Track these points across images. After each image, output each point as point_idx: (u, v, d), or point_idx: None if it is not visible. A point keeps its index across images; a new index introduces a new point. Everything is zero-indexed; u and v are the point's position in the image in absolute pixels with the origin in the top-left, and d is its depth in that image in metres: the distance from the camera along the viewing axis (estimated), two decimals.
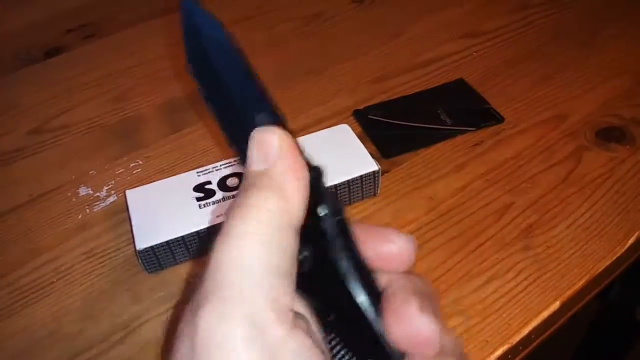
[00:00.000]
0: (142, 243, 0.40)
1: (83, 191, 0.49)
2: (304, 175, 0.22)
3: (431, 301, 0.22)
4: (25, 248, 0.45)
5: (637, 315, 0.79)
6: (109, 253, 0.44)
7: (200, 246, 0.42)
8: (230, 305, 0.19)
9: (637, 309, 0.79)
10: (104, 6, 0.74)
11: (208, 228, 0.41)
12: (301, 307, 0.23)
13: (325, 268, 0.22)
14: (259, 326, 0.19)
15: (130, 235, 0.41)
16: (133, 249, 0.41)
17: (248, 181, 0.22)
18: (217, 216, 0.41)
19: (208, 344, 0.19)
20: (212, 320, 0.19)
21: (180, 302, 0.40)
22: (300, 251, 0.22)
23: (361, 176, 0.44)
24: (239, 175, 0.44)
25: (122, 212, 0.46)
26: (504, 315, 0.38)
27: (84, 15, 0.71)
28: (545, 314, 0.38)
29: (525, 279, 0.40)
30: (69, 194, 0.49)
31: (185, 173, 0.45)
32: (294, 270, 0.21)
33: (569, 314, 0.41)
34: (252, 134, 0.22)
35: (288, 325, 0.19)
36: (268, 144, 0.22)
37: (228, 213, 0.21)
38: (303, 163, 0.22)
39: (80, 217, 0.47)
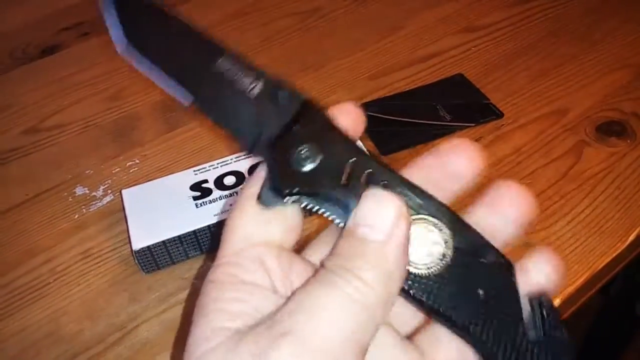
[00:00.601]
0: (138, 243, 0.39)
1: (79, 191, 0.49)
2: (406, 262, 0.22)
3: None
4: (21, 249, 0.45)
5: (637, 310, 0.79)
6: (105, 253, 0.44)
7: (197, 244, 0.41)
8: (311, 350, 0.19)
9: (637, 303, 0.79)
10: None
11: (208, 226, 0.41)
12: None
13: None
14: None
15: (127, 235, 0.41)
16: (130, 249, 0.40)
17: (356, 246, 0.21)
18: (214, 215, 0.41)
19: None
20: (287, 352, 0.19)
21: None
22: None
23: None
24: (235, 173, 0.44)
25: (118, 211, 0.45)
26: None
27: (80, 14, 0.71)
28: None
29: None
30: (65, 193, 0.49)
31: (182, 172, 0.45)
32: (367, 347, 0.21)
33: (570, 310, 0.41)
34: (367, 193, 0.22)
35: None
36: (383, 214, 0.21)
37: (331, 264, 0.21)
38: (407, 249, 0.22)
39: (76, 217, 0.47)
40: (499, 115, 0.52)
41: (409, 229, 0.22)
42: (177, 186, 0.43)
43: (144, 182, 0.44)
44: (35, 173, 0.51)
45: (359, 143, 0.24)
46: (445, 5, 0.67)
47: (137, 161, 0.51)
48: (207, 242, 0.41)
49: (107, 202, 0.47)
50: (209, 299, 0.22)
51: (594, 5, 0.65)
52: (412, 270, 0.22)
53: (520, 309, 0.22)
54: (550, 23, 0.63)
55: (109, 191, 0.48)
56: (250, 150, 0.24)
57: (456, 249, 0.22)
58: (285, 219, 0.24)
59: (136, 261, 0.40)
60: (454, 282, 0.22)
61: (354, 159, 0.23)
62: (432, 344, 0.24)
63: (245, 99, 0.24)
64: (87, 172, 0.50)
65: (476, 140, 0.50)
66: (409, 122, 0.52)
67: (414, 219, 0.22)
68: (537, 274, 0.23)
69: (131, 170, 0.50)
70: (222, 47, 0.25)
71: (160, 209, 0.42)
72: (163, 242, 0.40)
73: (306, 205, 0.23)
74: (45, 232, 0.46)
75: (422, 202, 0.23)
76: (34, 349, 0.38)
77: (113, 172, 0.50)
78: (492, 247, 0.23)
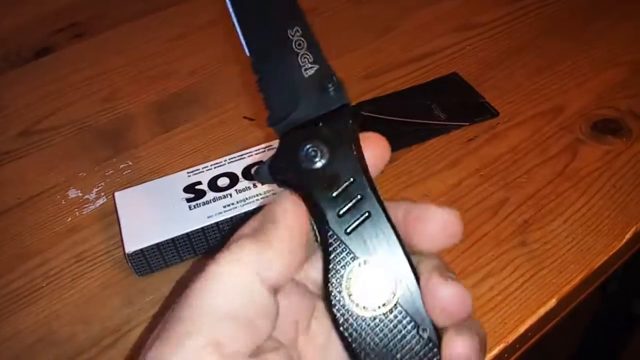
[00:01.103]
0: (131, 246, 0.39)
1: (72, 193, 0.48)
2: (300, 249, 0.22)
3: (449, 272, 0.23)
4: (14, 252, 0.44)
5: (636, 308, 0.79)
6: (99, 256, 0.43)
7: (192, 247, 0.41)
8: (178, 342, 0.20)
9: (634, 302, 0.79)
10: (93, 5, 0.73)
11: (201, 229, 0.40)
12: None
13: None
14: None
15: (120, 238, 0.41)
16: (123, 252, 0.40)
17: (248, 225, 0.23)
18: (208, 217, 0.41)
19: None
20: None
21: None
22: None
23: None
24: (229, 175, 0.43)
25: (112, 214, 0.45)
26: (500, 313, 0.37)
27: (73, 15, 0.71)
28: (542, 311, 0.38)
29: (522, 275, 0.40)
30: (58, 196, 0.48)
31: (176, 174, 0.44)
32: (261, 319, 0.21)
33: (567, 310, 0.40)
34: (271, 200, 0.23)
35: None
36: (280, 205, 0.23)
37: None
38: (306, 238, 0.22)
39: (69, 220, 0.46)
40: (494, 114, 0.52)
41: (298, 210, 0.23)
42: (171, 188, 0.43)
43: (137, 185, 0.44)
44: (28, 176, 0.51)
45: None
46: (439, 4, 0.67)
47: (130, 163, 0.51)
48: (201, 244, 0.41)
49: (100, 205, 0.47)
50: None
51: (589, 3, 0.65)
52: (354, 307, 0.22)
53: None
54: (545, 21, 0.63)
55: (102, 194, 0.48)
56: (273, 124, 0.25)
57: (400, 307, 0.23)
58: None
59: (129, 264, 0.40)
60: (379, 336, 0.22)
61: (352, 179, 0.23)
62: None
63: (299, 74, 0.25)
64: (80, 174, 0.50)
65: (471, 140, 0.50)
66: (404, 121, 0.52)
67: (369, 261, 0.23)
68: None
69: (124, 173, 0.50)
70: (301, 15, 0.26)
71: (153, 212, 0.41)
72: (156, 244, 0.39)
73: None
74: (38, 235, 0.46)
75: (391, 249, 0.23)
76: (28, 353, 0.38)
77: (106, 174, 0.50)
78: (433, 325, 0.23)
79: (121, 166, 0.50)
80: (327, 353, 0.24)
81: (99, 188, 0.49)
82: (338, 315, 0.22)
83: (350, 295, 0.23)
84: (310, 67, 0.25)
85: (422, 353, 0.22)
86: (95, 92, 0.59)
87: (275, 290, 0.22)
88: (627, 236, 0.42)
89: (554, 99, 0.54)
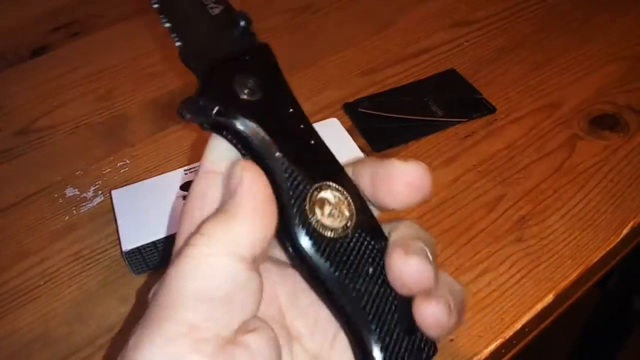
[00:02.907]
0: (128, 244, 0.39)
1: (70, 192, 0.48)
2: (265, 210, 0.22)
3: (420, 242, 0.23)
4: (12, 251, 0.44)
5: (634, 304, 0.79)
6: (96, 255, 0.43)
7: None
8: (155, 331, 0.20)
9: (634, 298, 0.79)
10: (90, 4, 0.72)
11: None
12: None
13: None
14: (175, 353, 0.19)
15: (117, 236, 0.41)
16: (120, 250, 0.40)
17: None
18: None
19: None
20: (138, 344, 0.19)
21: None
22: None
23: None
24: None
25: (109, 212, 0.45)
26: (497, 309, 0.37)
27: (70, 14, 0.70)
28: (539, 306, 0.38)
29: (519, 271, 0.40)
30: (56, 195, 0.48)
31: (172, 171, 0.44)
32: (241, 297, 0.21)
33: (564, 306, 0.40)
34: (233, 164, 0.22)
35: (206, 354, 0.19)
36: (233, 176, 0.22)
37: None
38: (267, 197, 0.22)
39: (67, 218, 0.46)
40: (491, 110, 0.52)
41: (257, 177, 0.22)
42: (168, 186, 0.43)
43: (134, 183, 0.44)
44: (25, 175, 0.51)
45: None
46: (436, 0, 0.66)
47: (128, 161, 0.51)
48: None
49: (98, 203, 0.47)
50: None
51: None
52: (317, 229, 0.22)
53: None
54: (542, 16, 0.63)
55: (100, 192, 0.48)
56: (186, 60, 0.24)
57: (357, 224, 0.23)
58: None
59: (126, 262, 0.40)
60: (348, 253, 0.23)
61: (292, 110, 0.24)
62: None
63: (205, 12, 0.25)
64: (77, 173, 0.50)
65: (468, 136, 0.50)
66: (401, 118, 0.52)
67: (328, 184, 0.23)
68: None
69: (122, 171, 0.50)
70: None
71: (150, 210, 0.41)
72: (153, 242, 0.39)
73: (226, 135, 0.23)
74: (36, 234, 0.45)
75: (338, 171, 0.24)
76: (25, 351, 0.38)
77: (103, 172, 0.50)
78: (384, 236, 0.24)
79: (118, 164, 0.50)
80: (319, 323, 0.24)
81: (96, 186, 0.49)
82: (300, 241, 0.22)
83: (311, 219, 0.22)
84: (215, 7, 0.25)
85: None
86: (92, 91, 0.59)
87: (253, 262, 0.21)
88: (625, 231, 0.42)
89: (551, 95, 0.53)
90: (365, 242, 0.23)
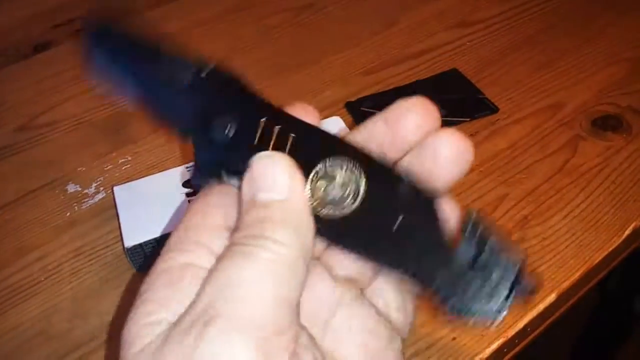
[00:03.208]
0: (130, 240, 0.39)
1: (71, 188, 0.48)
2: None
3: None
4: (13, 246, 0.44)
5: (635, 305, 0.79)
6: (97, 251, 0.43)
7: None
8: (240, 327, 0.19)
9: (635, 299, 0.79)
10: (91, 0, 0.72)
11: None
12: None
13: None
14: (265, 354, 0.19)
15: (119, 233, 0.41)
16: (122, 247, 0.40)
17: (260, 213, 0.21)
18: None
19: None
20: (218, 338, 0.18)
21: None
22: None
23: None
24: None
25: (111, 208, 0.45)
26: None
27: (72, 10, 0.70)
28: (541, 306, 0.38)
29: None
30: (57, 191, 0.48)
31: (174, 168, 0.44)
32: (299, 301, 0.21)
33: (566, 306, 0.40)
34: (252, 159, 0.22)
35: (289, 356, 0.19)
36: (277, 174, 0.21)
37: (239, 236, 0.21)
38: (308, 198, 0.22)
39: (68, 214, 0.46)
40: (494, 110, 0.52)
41: (303, 178, 0.22)
42: (169, 183, 0.43)
43: (136, 179, 0.44)
44: (27, 171, 0.51)
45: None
46: (439, 0, 0.66)
47: (130, 158, 0.51)
48: None
49: (99, 200, 0.47)
50: (141, 290, 0.21)
51: None
52: (326, 213, 0.22)
53: (442, 232, 0.22)
54: (545, 17, 0.63)
55: (101, 188, 0.48)
56: (183, 137, 0.24)
57: (369, 186, 0.22)
58: (223, 198, 0.23)
59: (128, 259, 0.40)
60: (369, 219, 0.22)
61: (265, 117, 0.23)
62: (376, 293, 0.24)
63: (171, 89, 0.24)
64: (79, 169, 0.50)
65: (471, 135, 0.50)
66: None
67: (326, 162, 0.23)
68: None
69: (123, 167, 0.50)
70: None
71: (152, 206, 0.41)
72: (155, 239, 0.39)
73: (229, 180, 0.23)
74: (37, 229, 0.45)
75: (332, 146, 0.23)
76: (26, 347, 0.38)
77: (105, 169, 0.50)
78: (406, 177, 0.23)
79: (120, 161, 0.50)
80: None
81: (98, 182, 0.49)
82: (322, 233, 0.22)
83: (319, 210, 0.22)
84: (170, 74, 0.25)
85: (414, 205, 0.22)
86: (93, 87, 0.59)
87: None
88: (627, 232, 0.42)
89: (554, 95, 0.54)
90: (386, 198, 0.23)
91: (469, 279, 0.21)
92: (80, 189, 0.48)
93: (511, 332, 0.36)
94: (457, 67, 0.57)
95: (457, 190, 0.45)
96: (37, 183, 0.49)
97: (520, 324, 0.37)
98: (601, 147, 0.48)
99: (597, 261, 0.40)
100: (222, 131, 0.23)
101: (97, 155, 0.51)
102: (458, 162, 0.24)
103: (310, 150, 0.23)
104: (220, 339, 0.18)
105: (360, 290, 0.25)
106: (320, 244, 0.24)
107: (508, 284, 0.22)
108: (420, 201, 0.22)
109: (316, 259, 0.25)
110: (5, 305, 0.40)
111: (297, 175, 0.22)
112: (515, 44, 0.60)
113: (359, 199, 0.22)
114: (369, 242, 0.22)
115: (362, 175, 0.23)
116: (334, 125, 0.47)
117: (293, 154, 0.22)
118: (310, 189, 0.22)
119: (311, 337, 0.22)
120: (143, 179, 0.44)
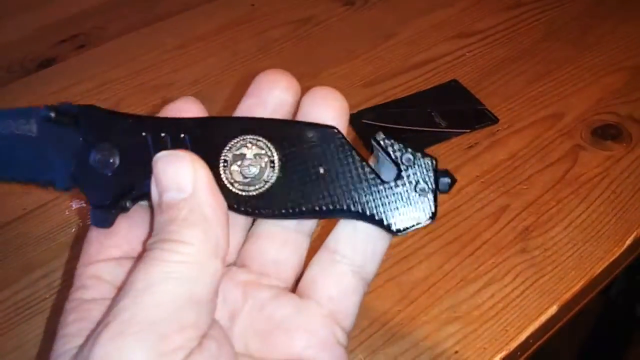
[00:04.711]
0: None
1: (77, 204, 0.49)
2: (223, 203, 0.22)
3: None
4: (18, 263, 0.45)
5: (638, 312, 0.79)
6: None
7: None
8: (135, 329, 0.19)
9: (637, 305, 0.79)
10: (95, 16, 0.73)
11: None
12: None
13: None
14: (160, 353, 0.19)
15: None
16: None
17: (166, 214, 0.21)
18: None
19: None
20: (109, 342, 0.19)
21: None
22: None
23: None
24: None
25: None
26: (501, 320, 0.38)
27: (76, 26, 0.71)
28: (543, 318, 0.38)
29: (522, 282, 0.40)
30: (63, 207, 0.49)
31: None
32: (213, 297, 0.21)
33: (568, 317, 0.40)
34: (154, 160, 0.22)
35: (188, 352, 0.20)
36: (179, 172, 0.21)
37: (150, 242, 0.21)
38: (218, 190, 0.22)
39: (73, 230, 0.47)
40: (494, 120, 0.52)
41: (208, 171, 0.22)
42: None
43: None
44: (33, 187, 0.51)
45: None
46: (438, 11, 0.67)
47: None
48: None
49: None
50: (57, 329, 0.22)
51: (588, 8, 0.65)
52: (253, 191, 0.23)
53: (360, 163, 0.24)
54: (544, 27, 0.63)
55: None
56: (67, 188, 0.24)
57: (280, 150, 0.23)
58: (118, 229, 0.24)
59: None
60: (294, 178, 0.23)
61: (144, 133, 0.23)
62: (309, 287, 0.24)
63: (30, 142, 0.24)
64: None
65: (472, 147, 0.50)
66: (404, 129, 0.52)
67: (229, 146, 0.23)
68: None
69: None
70: None
71: None
72: None
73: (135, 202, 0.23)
74: (43, 246, 0.46)
75: (231, 129, 0.24)
76: None
77: None
78: (309, 124, 0.24)
79: None
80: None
81: None
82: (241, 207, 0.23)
83: (235, 190, 0.23)
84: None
85: (329, 149, 0.24)
86: (98, 103, 0.58)
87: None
88: (628, 242, 0.42)
89: (553, 105, 0.54)
90: (302, 154, 0.24)
91: (400, 192, 0.24)
92: (84, 205, 0.49)
93: (513, 345, 0.37)
94: (457, 78, 0.57)
95: (459, 201, 0.46)
96: (42, 199, 0.50)
97: (523, 336, 0.37)
98: (601, 156, 0.48)
99: (598, 272, 0.40)
100: (106, 163, 0.23)
101: None
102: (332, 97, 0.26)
103: (209, 141, 0.23)
104: (111, 343, 0.19)
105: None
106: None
107: (431, 183, 0.24)
108: (333, 143, 0.24)
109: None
110: (10, 323, 0.41)
111: (201, 169, 0.21)
112: (514, 54, 0.60)
113: (277, 165, 0.23)
114: (302, 198, 0.23)
115: (270, 144, 0.23)
116: None
117: (195, 152, 0.22)
118: (226, 177, 0.23)
119: (221, 328, 0.23)
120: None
